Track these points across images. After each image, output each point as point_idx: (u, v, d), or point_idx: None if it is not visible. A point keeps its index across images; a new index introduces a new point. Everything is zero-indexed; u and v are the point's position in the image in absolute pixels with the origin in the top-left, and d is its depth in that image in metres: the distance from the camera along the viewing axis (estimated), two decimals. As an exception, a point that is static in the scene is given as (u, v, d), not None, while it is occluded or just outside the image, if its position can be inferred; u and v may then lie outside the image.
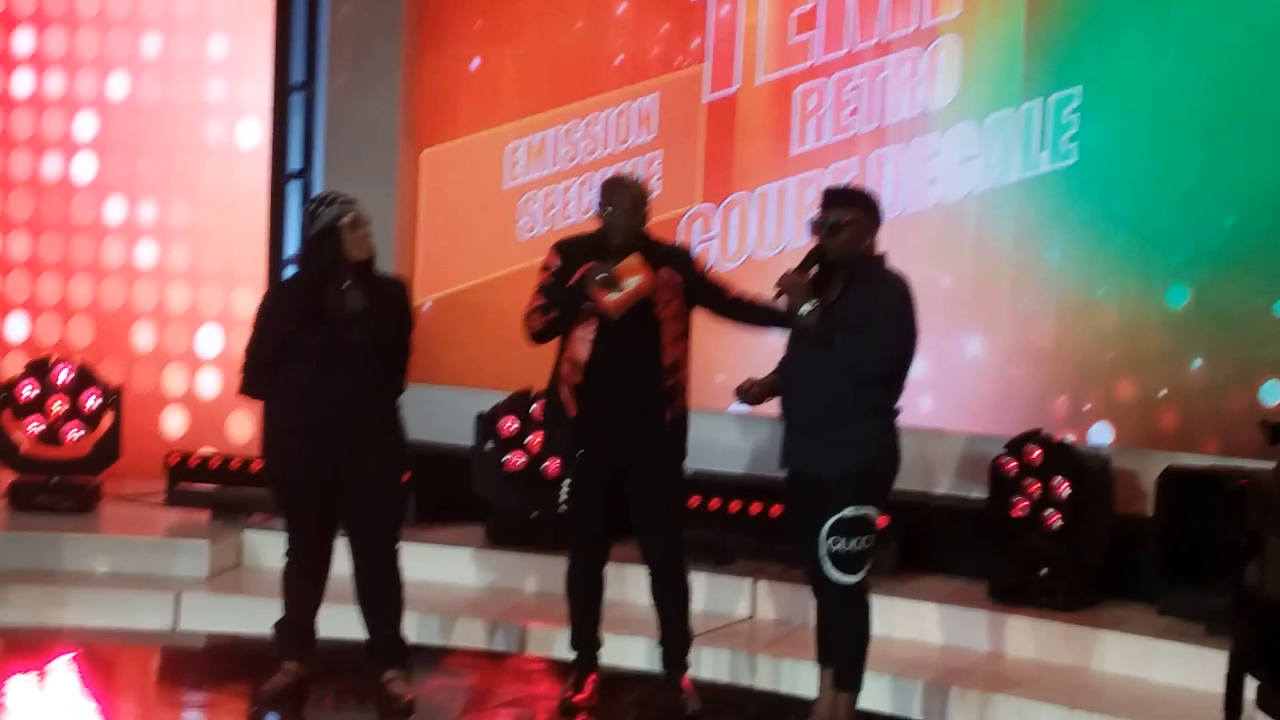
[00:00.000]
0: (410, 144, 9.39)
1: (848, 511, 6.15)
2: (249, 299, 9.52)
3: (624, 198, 6.67)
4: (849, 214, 6.19)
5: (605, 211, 6.69)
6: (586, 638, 6.93)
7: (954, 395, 8.28)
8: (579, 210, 9.04)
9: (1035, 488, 7.70)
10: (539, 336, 6.72)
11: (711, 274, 6.94)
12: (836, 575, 6.20)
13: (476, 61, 9.28)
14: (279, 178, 9.44)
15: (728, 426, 8.54)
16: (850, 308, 6.13)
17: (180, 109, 9.73)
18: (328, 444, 6.55)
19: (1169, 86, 7.87)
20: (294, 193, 9.50)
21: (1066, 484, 7.64)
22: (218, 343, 9.73)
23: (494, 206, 9.24)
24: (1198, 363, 7.84)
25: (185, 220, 9.75)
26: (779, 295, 6.21)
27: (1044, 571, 7.65)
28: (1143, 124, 7.94)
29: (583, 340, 6.60)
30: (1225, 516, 6.44)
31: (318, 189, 9.35)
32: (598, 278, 6.47)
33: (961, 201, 8.28)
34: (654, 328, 6.58)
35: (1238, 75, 7.73)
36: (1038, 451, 7.72)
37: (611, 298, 6.49)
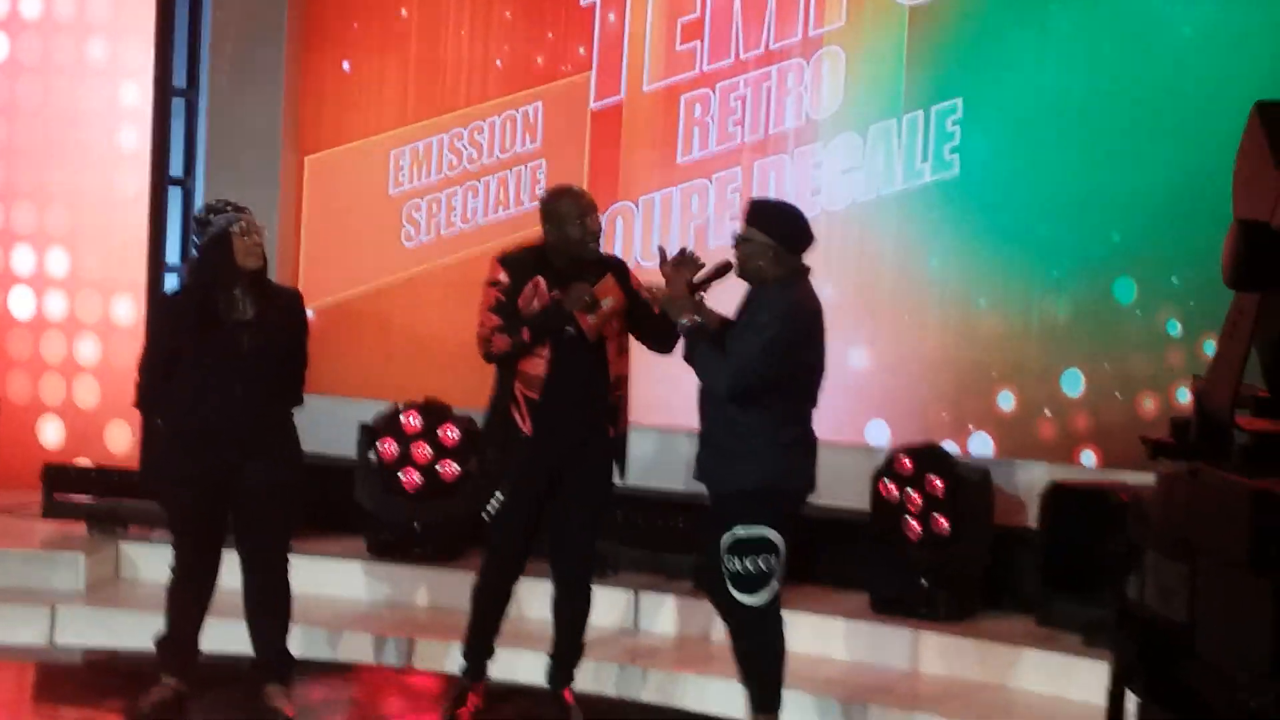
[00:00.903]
0: (294, 150, 9.31)
1: (739, 531, 6.05)
2: (128, 307, 9.44)
3: (573, 216, 6.51)
4: (750, 232, 6.10)
5: (551, 234, 6.55)
6: (481, 648, 6.83)
7: (836, 406, 8.19)
8: (463, 218, 9.00)
9: (916, 499, 7.72)
10: (502, 359, 6.53)
11: (643, 291, 6.69)
12: (738, 595, 6.11)
13: (347, 64, 9.23)
14: (160, 183, 9.32)
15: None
16: (739, 326, 6.09)
17: (59, 113, 9.60)
18: (218, 454, 6.49)
19: (1050, 98, 7.93)
20: (175, 199, 9.37)
21: (947, 495, 7.67)
22: (96, 351, 9.60)
23: (378, 214, 9.18)
24: (1077, 374, 7.88)
25: (63, 226, 9.62)
26: (659, 306, 6.19)
27: (924, 583, 7.66)
28: (1024, 135, 8.00)
29: (540, 358, 6.47)
30: (1108, 531, 6.47)
31: (199, 195, 9.26)
32: (580, 302, 6.37)
33: (844, 211, 8.30)
34: (601, 344, 6.49)
35: (1117, 87, 7.80)
36: (918, 463, 7.75)
37: (591, 319, 6.41)
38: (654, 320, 6.51)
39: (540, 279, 6.49)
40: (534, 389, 6.49)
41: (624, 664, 7.51)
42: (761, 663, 6.24)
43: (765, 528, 6.07)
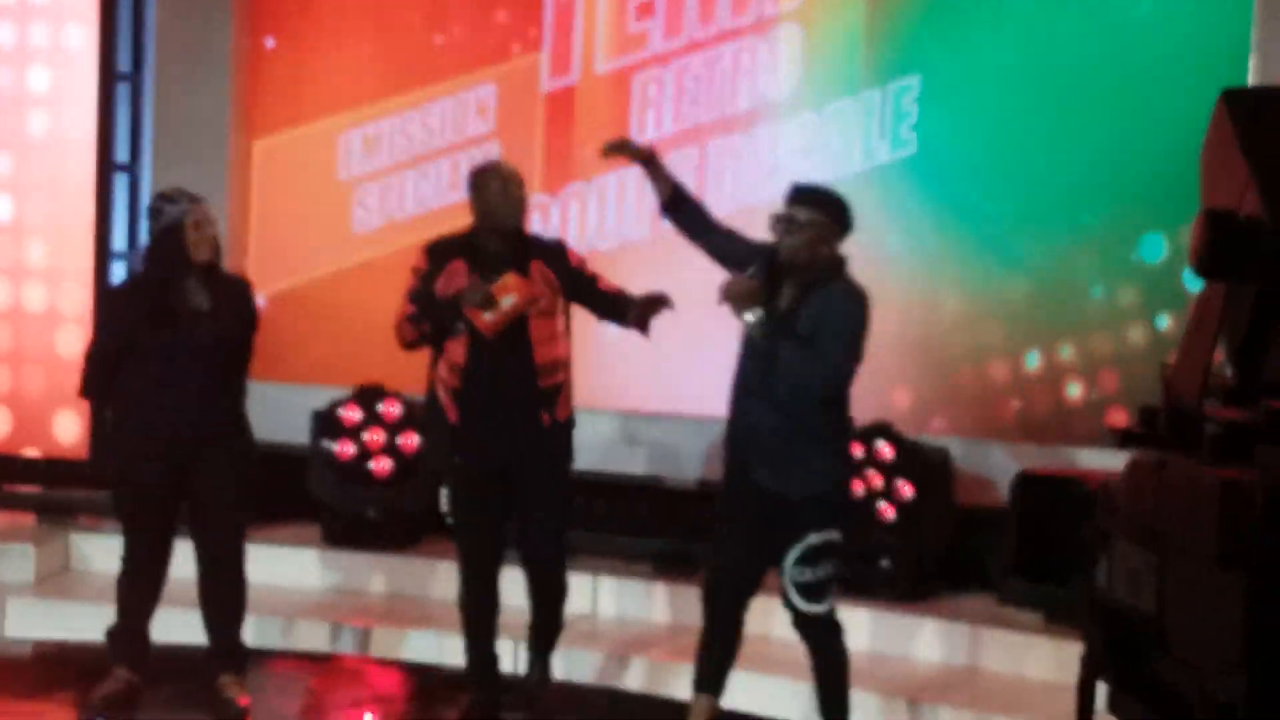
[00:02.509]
0: (241, 135, 9.22)
1: (813, 538, 5.78)
2: (75, 295, 9.31)
3: (496, 188, 6.36)
4: (810, 213, 5.75)
5: (476, 204, 6.40)
6: (481, 657, 6.62)
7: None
8: (415, 202, 8.94)
9: (876, 479, 7.70)
10: (411, 346, 6.43)
11: (586, 268, 6.54)
12: (803, 605, 5.85)
13: (271, 41, 9.14)
14: (105, 170, 9.21)
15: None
16: (803, 319, 5.69)
17: (2, 98, 9.45)
18: (173, 445, 6.46)
19: (1008, 75, 7.92)
20: (120, 185, 9.28)
21: (907, 476, 7.65)
22: (42, 341, 9.47)
23: (328, 199, 9.11)
24: (1036, 353, 7.87)
25: (7, 214, 9.48)
26: (724, 301, 5.69)
27: (884, 562, 7.64)
28: (982, 113, 7.98)
29: (460, 344, 6.33)
30: (1077, 519, 6.46)
31: (145, 181, 9.17)
32: (474, 299, 6.20)
33: (801, 191, 8.23)
34: (523, 330, 6.30)
35: (1076, 64, 7.78)
36: (879, 443, 7.73)
37: (487, 318, 6.21)
38: (600, 297, 6.44)
39: (460, 263, 6.33)
40: (456, 377, 6.37)
41: (584, 648, 7.46)
42: (843, 671, 6.02)
43: (835, 532, 5.84)
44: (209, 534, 6.61)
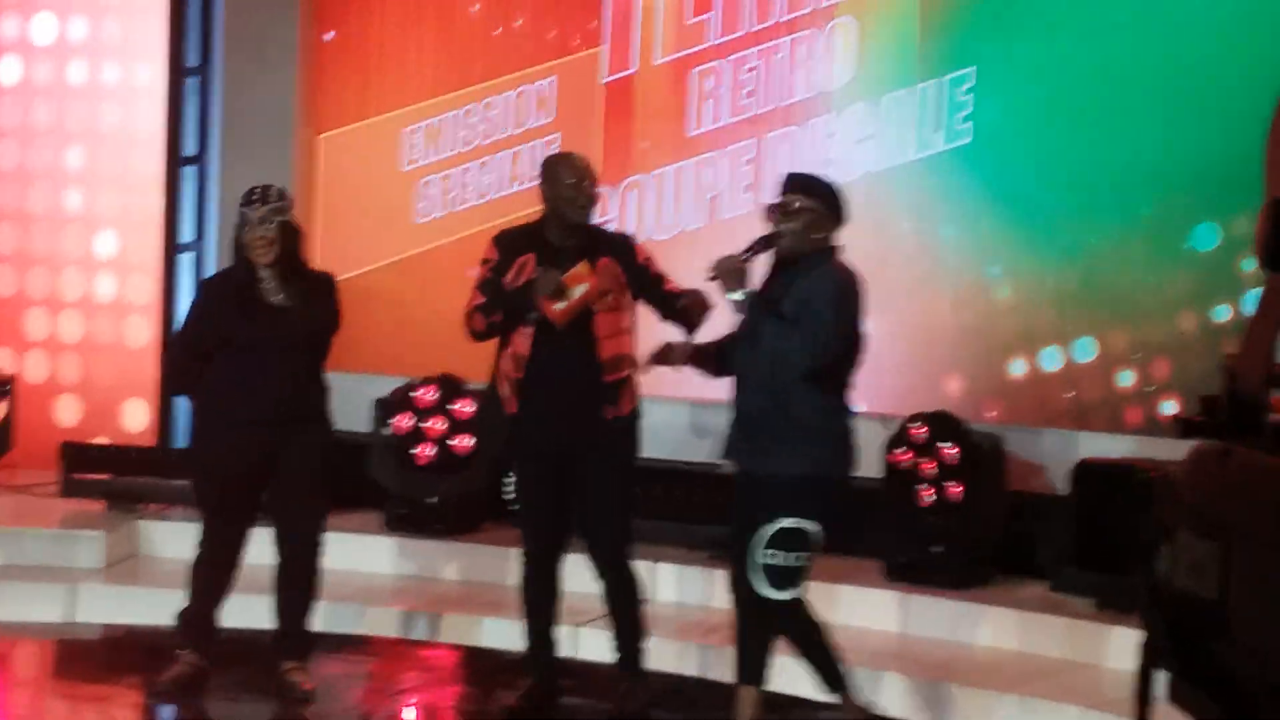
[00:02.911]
0: (307, 128, 9.35)
1: (785, 522, 5.78)
2: (144, 286, 9.47)
3: (568, 177, 6.36)
4: (805, 201, 5.83)
5: (546, 193, 6.40)
6: (539, 643, 6.66)
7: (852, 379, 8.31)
8: (477, 194, 9.05)
9: (929, 466, 7.75)
10: (480, 337, 6.44)
11: (653, 266, 6.51)
12: (766, 590, 5.82)
13: (330, 34, 9.27)
14: (174, 163, 9.35)
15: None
16: (791, 300, 5.75)
17: (74, 92, 9.60)
18: (256, 435, 6.55)
19: (1062, 67, 7.94)
20: (189, 178, 9.42)
21: (960, 462, 7.69)
22: (112, 331, 9.63)
23: (391, 190, 9.22)
24: (1089, 341, 7.92)
25: (79, 206, 9.63)
26: (712, 278, 5.83)
27: (938, 549, 7.70)
28: (1036, 104, 8.01)
29: (524, 336, 6.33)
30: (1138, 508, 6.48)
31: (213, 174, 9.30)
32: (547, 287, 6.20)
33: (858, 181, 8.26)
34: (587, 324, 6.30)
35: (1130, 56, 7.80)
36: (932, 430, 7.77)
37: (558, 307, 6.20)
38: (664, 297, 6.41)
39: (531, 256, 6.36)
40: (519, 368, 6.37)
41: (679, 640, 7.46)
42: (810, 649, 6.05)
43: (811, 523, 5.82)
44: (289, 521, 6.70)
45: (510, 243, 6.48)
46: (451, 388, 8.52)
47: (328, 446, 6.77)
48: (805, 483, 5.80)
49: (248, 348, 6.53)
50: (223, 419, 6.63)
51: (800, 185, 5.91)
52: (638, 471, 6.61)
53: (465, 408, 8.45)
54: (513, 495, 6.57)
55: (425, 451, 8.50)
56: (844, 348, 5.85)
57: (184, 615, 6.82)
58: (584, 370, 6.34)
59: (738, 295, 5.75)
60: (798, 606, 5.95)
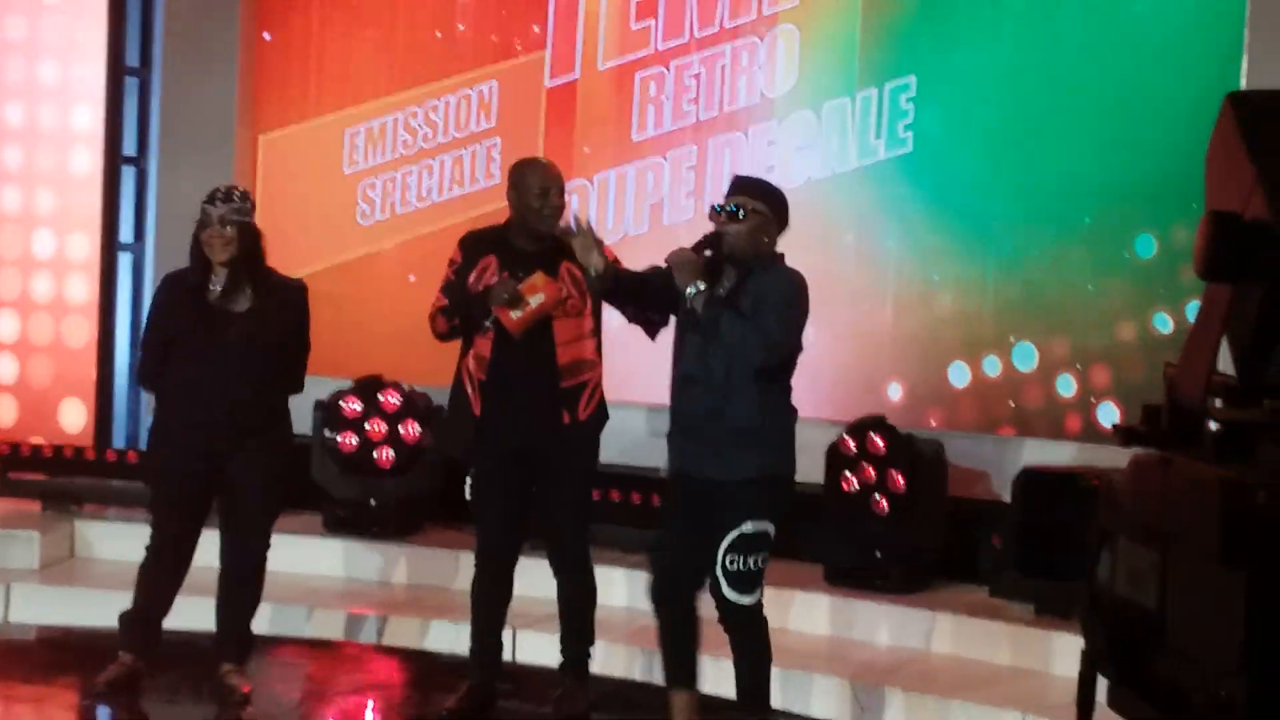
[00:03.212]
0: (247, 129, 9.31)
1: (747, 527, 5.77)
2: (82, 286, 9.39)
3: (535, 185, 6.40)
4: (753, 203, 5.82)
5: (513, 200, 6.44)
6: (485, 645, 6.67)
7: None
8: (419, 196, 9.03)
9: (870, 472, 7.80)
10: (443, 338, 6.50)
11: (620, 267, 6.42)
12: (731, 594, 5.83)
13: (267, 35, 9.26)
14: (113, 163, 9.29)
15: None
16: (744, 299, 5.74)
17: (11, 91, 9.52)
18: (208, 439, 6.54)
19: (1003, 76, 8.00)
20: (128, 178, 9.35)
21: (901, 468, 7.74)
22: (49, 331, 9.54)
23: (334, 192, 9.20)
24: (1029, 347, 7.97)
25: (16, 205, 9.54)
26: (667, 269, 5.74)
27: (878, 555, 7.74)
28: (977, 112, 8.06)
29: (485, 338, 6.40)
30: (1079, 515, 6.52)
31: (152, 174, 9.24)
32: (502, 297, 6.24)
33: (800, 189, 8.31)
34: (547, 329, 6.35)
35: (1071, 65, 7.86)
36: (873, 436, 7.81)
37: (514, 315, 6.25)
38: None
39: (492, 259, 6.41)
40: (481, 369, 6.44)
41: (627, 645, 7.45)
42: (756, 664, 6.01)
43: (769, 523, 5.82)
44: (236, 529, 6.69)
45: (474, 245, 6.52)
46: (372, 387, 8.54)
47: (283, 455, 6.76)
48: (759, 485, 5.80)
49: (196, 350, 6.51)
50: (174, 420, 6.62)
51: (748, 188, 5.92)
52: (596, 476, 6.66)
53: (393, 400, 8.47)
54: (470, 492, 6.56)
55: (383, 455, 8.51)
56: (796, 346, 5.88)
57: (126, 616, 6.79)
58: (542, 375, 6.39)
59: (692, 289, 5.70)
60: (759, 611, 5.95)
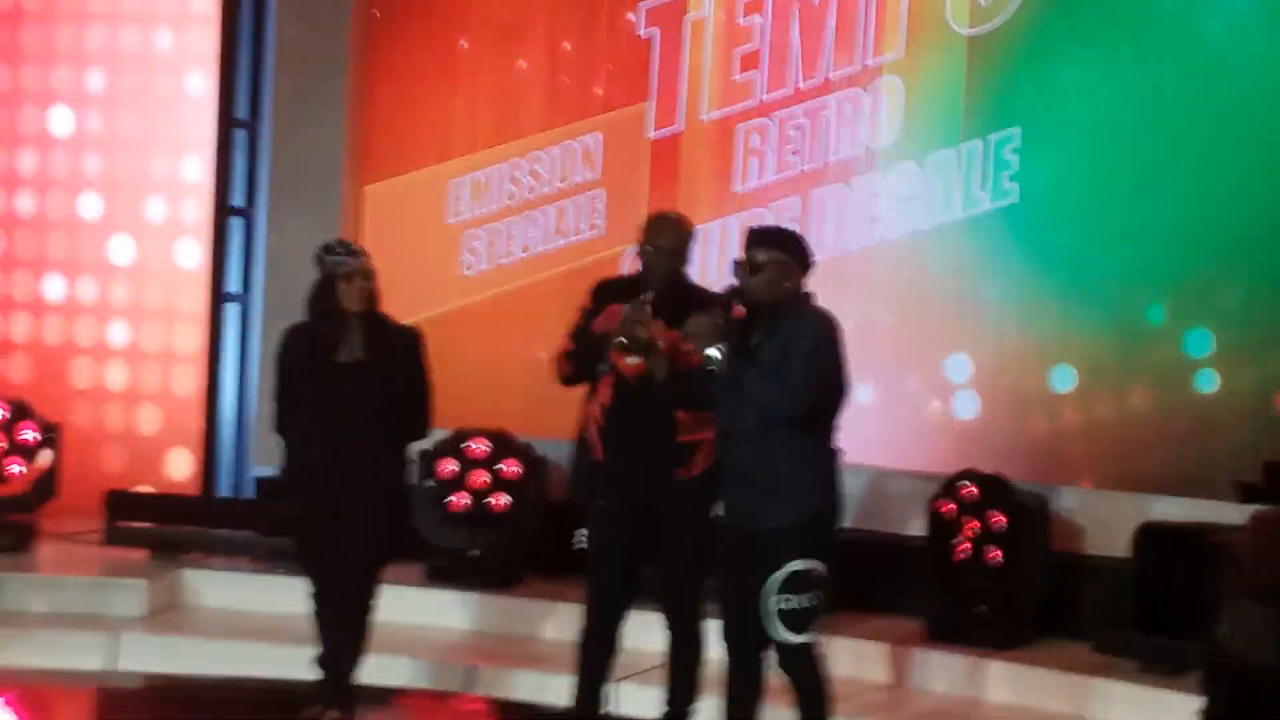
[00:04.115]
0: (354, 180, 9.42)
1: (796, 565, 5.80)
2: (189, 335, 9.53)
3: (667, 237, 6.42)
4: (769, 254, 5.86)
5: (644, 250, 6.44)
6: (587, 698, 6.62)
7: (894, 432, 8.31)
8: (521, 247, 9.07)
9: (973, 525, 7.72)
10: (566, 381, 6.52)
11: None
12: (785, 635, 5.83)
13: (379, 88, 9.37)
14: (221, 214, 9.42)
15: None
16: (772, 350, 5.80)
17: (124, 144, 9.69)
18: (327, 488, 6.62)
19: (1107, 127, 7.95)
20: (236, 229, 9.49)
21: (1004, 521, 7.66)
22: (157, 380, 9.68)
23: (437, 243, 9.27)
24: (1134, 399, 7.88)
25: (127, 256, 9.70)
26: (687, 340, 5.87)
27: (981, 609, 7.66)
28: (1081, 164, 8.01)
29: (607, 385, 6.39)
30: (1201, 572, 6.46)
31: (260, 225, 9.35)
32: (617, 341, 6.23)
33: (903, 240, 8.33)
34: (667, 380, 6.27)
35: (1173, 117, 7.81)
36: (976, 489, 7.74)
37: (630, 361, 6.23)
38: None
39: (618, 308, 6.33)
40: (603, 416, 6.44)
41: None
42: (821, 702, 6.02)
43: (817, 561, 5.84)
44: (345, 576, 6.72)
45: (604, 290, 6.54)
46: (503, 445, 8.54)
47: (395, 506, 6.81)
48: (804, 528, 5.85)
49: (316, 401, 6.62)
50: (299, 469, 6.73)
51: (762, 239, 5.98)
52: (711, 530, 6.49)
53: (511, 468, 8.47)
54: (580, 542, 6.54)
55: (461, 500, 8.50)
56: (826, 391, 5.88)
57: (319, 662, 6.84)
58: (660, 427, 6.36)
59: (714, 353, 5.79)
60: (814, 650, 5.95)
